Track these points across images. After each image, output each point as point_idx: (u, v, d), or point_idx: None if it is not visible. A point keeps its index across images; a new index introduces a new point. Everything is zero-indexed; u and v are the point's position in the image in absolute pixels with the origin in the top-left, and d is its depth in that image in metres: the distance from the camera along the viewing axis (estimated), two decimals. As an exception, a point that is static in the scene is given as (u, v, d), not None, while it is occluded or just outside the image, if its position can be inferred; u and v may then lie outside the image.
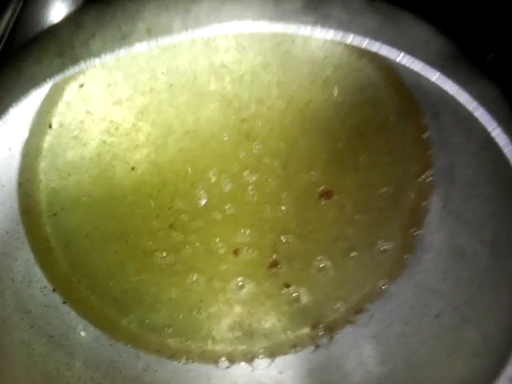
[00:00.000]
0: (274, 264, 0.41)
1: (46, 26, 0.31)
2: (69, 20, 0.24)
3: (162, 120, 0.36)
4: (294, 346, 0.43)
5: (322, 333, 0.43)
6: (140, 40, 0.21)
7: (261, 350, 0.43)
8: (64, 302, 0.40)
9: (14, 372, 0.35)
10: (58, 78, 0.22)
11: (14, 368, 0.35)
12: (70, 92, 0.34)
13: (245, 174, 0.39)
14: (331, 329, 0.43)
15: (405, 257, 0.41)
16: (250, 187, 0.39)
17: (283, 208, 0.40)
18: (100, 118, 0.36)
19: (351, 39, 0.21)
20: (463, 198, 0.37)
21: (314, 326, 0.43)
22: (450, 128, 0.35)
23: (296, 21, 0.20)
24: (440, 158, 0.37)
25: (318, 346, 0.43)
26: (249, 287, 0.42)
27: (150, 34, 0.21)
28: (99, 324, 0.41)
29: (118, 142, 0.37)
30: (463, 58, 0.23)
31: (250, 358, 0.43)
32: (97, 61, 0.21)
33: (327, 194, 0.40)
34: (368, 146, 0.39)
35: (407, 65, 0.23)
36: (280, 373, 0.43)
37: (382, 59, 0.33)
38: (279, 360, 0.43)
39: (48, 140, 0.35)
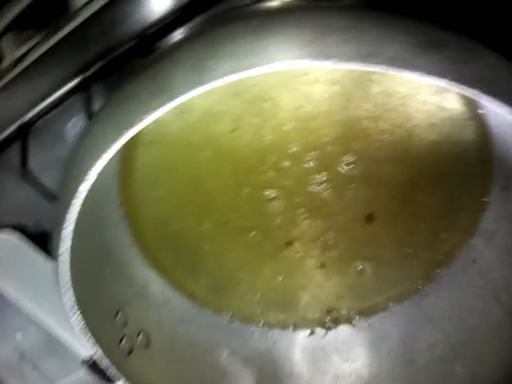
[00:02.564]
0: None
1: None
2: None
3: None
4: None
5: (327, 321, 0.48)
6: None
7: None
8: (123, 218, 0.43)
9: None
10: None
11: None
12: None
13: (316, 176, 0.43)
14: (333, 322, 0.48)
15: (420, 285, 0.46)
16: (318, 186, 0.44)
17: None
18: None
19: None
20: (493, 260, 0.42)
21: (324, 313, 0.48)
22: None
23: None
24: (488, 221, 0.43)
25: (313, 332, 0.49)
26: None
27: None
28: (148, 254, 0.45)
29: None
30: None
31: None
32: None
33: (370, 217, 0.45)
34: (428, 185, 0.43)
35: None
36: (275, 343, 0.49)
37: (482, 124, 0.38)
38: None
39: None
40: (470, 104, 0.37)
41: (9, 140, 0.47)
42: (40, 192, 0.46)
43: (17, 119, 0.46)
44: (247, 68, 0.24)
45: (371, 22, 0.25)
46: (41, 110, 0.46)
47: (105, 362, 0.37)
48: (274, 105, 0.39)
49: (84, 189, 0.29)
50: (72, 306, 0.33)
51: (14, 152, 0.47)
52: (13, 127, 0.46)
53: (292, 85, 0.39)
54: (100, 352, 0.36)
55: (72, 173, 0.31)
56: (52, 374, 0.56)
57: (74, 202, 0.30)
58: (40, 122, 0.46)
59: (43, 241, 0.50)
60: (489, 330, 0.41)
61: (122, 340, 0.40)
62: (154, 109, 0.26)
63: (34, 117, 0.46)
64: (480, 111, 0.37)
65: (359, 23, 0.25)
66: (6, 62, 0.45)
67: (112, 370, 0.38)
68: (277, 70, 0.24)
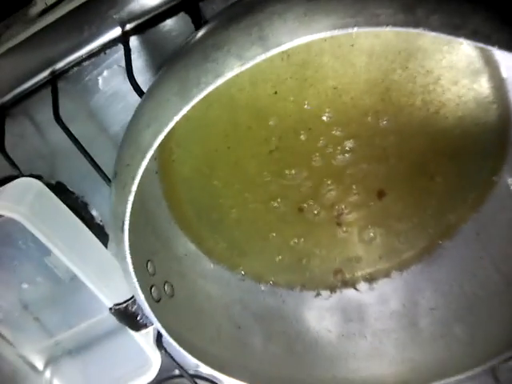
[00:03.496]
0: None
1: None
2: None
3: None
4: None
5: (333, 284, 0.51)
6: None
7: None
8: (156, 172, 0.45)
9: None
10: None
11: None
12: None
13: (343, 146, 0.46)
14: (338, 285, 0.52)
15: (423, 255, 0.50)
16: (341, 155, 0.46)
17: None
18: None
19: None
20: (496, 234, 0.46)
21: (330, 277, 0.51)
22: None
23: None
24: (494, 198, 0.47)
25: (319, 294, 0.52)
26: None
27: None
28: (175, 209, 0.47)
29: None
30: None
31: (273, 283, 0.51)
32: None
33: (381, 193, 0.48)
34: (443, 161, 0.46)
35: None
36: (283, 302, 0.51)
37: (506, 108, 0.42)
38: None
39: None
40: (498, 88, 0.40)
41: (39, 86, 0.47)
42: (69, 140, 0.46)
43: (48, 66, 0.46)
44: (347, 26, 0.26)
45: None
46: (74, 60, 0.46)
47: (145, 307, 0.38)
48: (316, 72, 0.42)
49: (158, 141, 0.30)
50: (128, 247, 0.35)
51: (40, 101, 0.47)
52: (44, 73, 0.46)
53: (336, 55, 0.41)
54: (141, 297, 0.38)
55: (147, 123, 0.31)
56: (52, 328, 0.57)
57: (146, 156, 0.31)
58: (72, 71, 0.46)
59: (57, 192, 0.50)
60: (489, 297, 0.45)
61: (151, 288, 0.41)
62: (252, 58, 0.27)
63: (66, 65, 0.46)
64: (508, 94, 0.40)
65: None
66: (38, 8, 0.45)
67: (145, 316, 0.40)
68: (373, 31, 0.26)
